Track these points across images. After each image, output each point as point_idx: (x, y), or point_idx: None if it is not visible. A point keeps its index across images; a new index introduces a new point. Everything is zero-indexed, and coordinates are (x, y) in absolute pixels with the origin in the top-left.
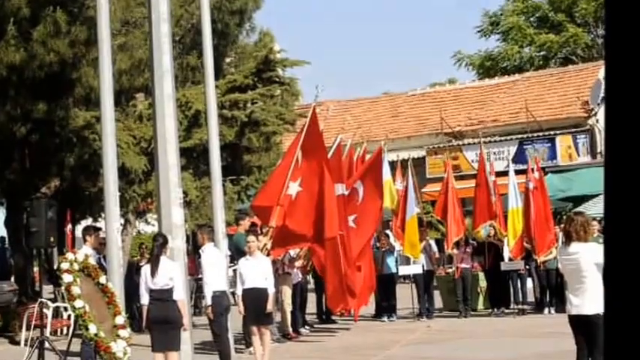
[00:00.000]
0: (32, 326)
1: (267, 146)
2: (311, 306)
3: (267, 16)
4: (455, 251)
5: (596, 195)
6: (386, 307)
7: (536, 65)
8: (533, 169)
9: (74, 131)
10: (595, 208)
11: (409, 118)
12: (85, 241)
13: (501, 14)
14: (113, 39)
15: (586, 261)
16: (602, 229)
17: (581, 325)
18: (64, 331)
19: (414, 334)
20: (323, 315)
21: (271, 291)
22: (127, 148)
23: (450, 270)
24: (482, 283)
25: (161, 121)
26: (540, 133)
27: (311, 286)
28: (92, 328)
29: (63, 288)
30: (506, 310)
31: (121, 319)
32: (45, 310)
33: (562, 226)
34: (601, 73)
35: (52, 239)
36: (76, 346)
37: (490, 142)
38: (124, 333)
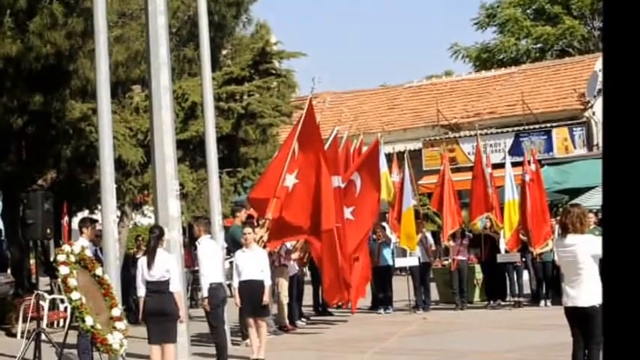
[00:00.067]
0: (29, 318)
1: (263, 138)
2: (307, 298)
3: (263, 8)
4: (451, 243)
5: (593, 187)
6: (382, 299)
7: (532, 57)
8: (529, 162)
9: (70, 123)
10: (591, 200)
11: (406, 110)
12: (81, 233)
13: (498, 6)
14: (110, 31)
15: (582, 253)
16: (598, 221)
17: (577, 317)
18: (61, 323)
19: (410, 327)
20: (319, 307)
21: (267, 283)
22: (123, 140)
23: (446, 262)
24: (479, 275)
25: (157, 113)
26: (537, 126)
27: (307, 278)
28: (89, 320)
29: (59, 280)
30: (502, 303)
31: (117, 311)
32: (41, 302)
33: (558, 218)
34: (597, 66)
35: (48, 231)
36: (72, 338)
37: (486, 134)
38: (121, 325)
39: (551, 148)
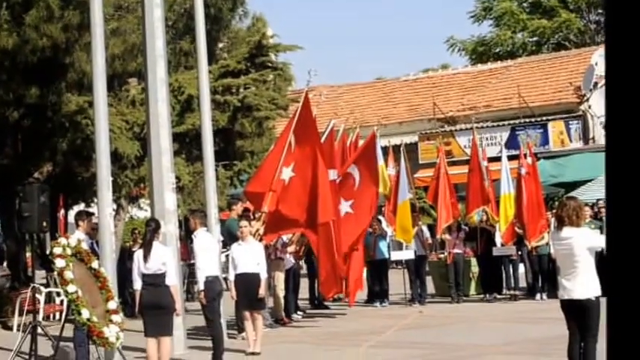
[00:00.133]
0: (25, 311)
1: (259, 131)
2: (303, 291)
3: (260, 1)
4: (447, 237)
5: (589, 180)
6: (378, 292)
7: (528, 51)
8: (525, 155)
9: (67, 116)
10: (587, 193)
11: (402, 103)
12: (77, 226)
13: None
14: (106, 23)
15: (579, 245)
16: (594, 215)
17: (573, 309)
18: (57, 317)
19: (406, 320)
20: (315, 300)
21: (263, 276)
22: (119, 133)
23: (442, 255)
24: (475, 268)
25: (154, 106)
26: (533, 119)
27: (303, 271)
28: (85, 313)
29: (56, 273)
30: (498, 296)
31: (113, 304)
32: (37, 296)
33: (554, 211)
34: (593, 59)
35: (44, 224)
36: (68, 331)
37: (482, 127)
38: (117, 318)
39: (547, 142)
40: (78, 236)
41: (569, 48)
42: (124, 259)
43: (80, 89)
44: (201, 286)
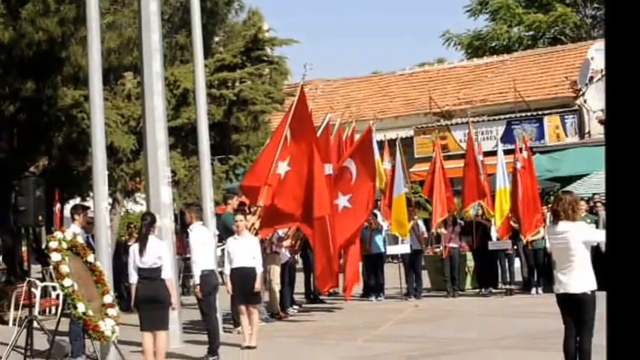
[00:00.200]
0: (20, 306)
1: (255, 125)
2: (299, 286)
3: None
4: (443, 231)
5: (584, 175)
6: (374, 286)
7: (524, 45)
8: (521, 149)
9: (62, 110)
10: (582, 188)
11: (398, 97)
12: (73, 220)
13: None
14: (102, 17)
15: (574, 240)
16: (589, 209)
17: (569, 303)
18: (53, 311)
19: (401, 314)
20: (311, 294)
21: (259, 270)
22: (115, 127)
23: (437, 250)
24: (470, 262)
25: (150, 99)
26: (528, 113)
27: (299, 265)
28: (80, 307)
29: (51, 267)
30: (494, 290)
31: (109, 298)
32: (33, 290)
33: (550, 205)
34: (589, 53)
35: (40, 218)
36: (64, 325)
37: (478, 121)
38: (113, 312)
39: (542, 136)
40: (74, 230)
41: (565, 42)
42: (120, 253)
43: (76, 83)
44: (197, 280)
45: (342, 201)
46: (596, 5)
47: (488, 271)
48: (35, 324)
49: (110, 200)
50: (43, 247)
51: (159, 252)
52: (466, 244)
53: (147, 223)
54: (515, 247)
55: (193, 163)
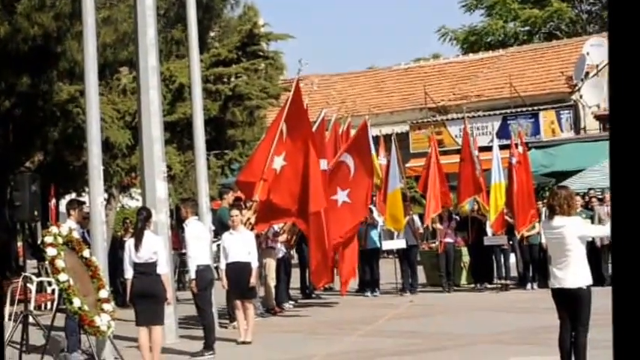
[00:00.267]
0: (16, 301)
1: (250, 120)
2: (295, 281)
3: None
4: (439, 226)
5: (579, 170)
6: (369, 281)
7: (520, 40)
8: (517, 144)
9: (58, 105)
10: (578, 183)
11: (393, 92)
12: (68, 215)
13: None
14: (97, 12)
15: (570, 234)
16: (585, 204)
17: (564, 298)
18: (48, 306)
19: (397, 309)
20: (306, 290)
21: (255, 265)
22: (110, 122)
23: (433, 245)
24: (466, 258)
25: (145, 94)
26: (524, 109)
27: (295, 260)
28: (76, 302)
29: (47, 262)
30: (489, 285)
31: (104, 293)
32: (29, 285)
33: (545, 200)
34: (585, 48)
35: (35, 213)
36: (60, 320)
37: (474, 117)
38: (108, 307)
39: (538, 131)
40: (69, 225)
41: (561, 37)
42: (116, 248)
43: (71, 78)
44: (192, 275)
45: (342, 196)
46: (591, 0)
47: (483, 266)
48: (31, 319)
49: (106, 195)
50: (39, 242)
51: (154, 247)
52: (462, 240)
53: (142, 218)
54: (510, 242)
55: (189, 158)
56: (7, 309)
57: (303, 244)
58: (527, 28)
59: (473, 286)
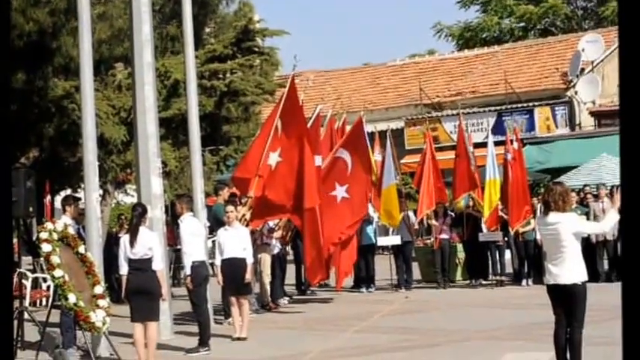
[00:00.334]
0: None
1: (246, 116)
2: (290, 277)
3: None
4: (434, 222)
5: (574, 167)
6: (364, 278)
7: (515, 36)
8: (512, 141)
9: (53, 101)
10: (573, 179)
11: (388, 89)
12: (64, 211)
13: None
14: (93, 8)
15: (565, 230)
16: (580, 200)
17: (559, 294)
18: (44, 302)
19: (392, 305)
20: (302, 286)
21: (250, 261)
22: (105, 118)
23: (428, 241)
24: (461, 254)
25: (140, 90)
26: (519, 105)
27: (290, 257)
28: (71, 298)
29: (42, 258)
30: (484, 282)
31: (99, 289)
32: (24, 281)
33: (540, 197)
34: (580, 45)
35: (31, 209)
36: (55, 317)
37: (469, 113)
38: (103, 302)
39: (533, 128)
40: (64, 221)
41: (556, 34)
42: (111, 244)
43: (67, 74)
44: (187, 271)
45: (340, 192)
46: None
47: (478, 262)
48: (26, 315)
49: (101, 191)
50: (34, 238)
51: (149, 243)
52: (457, 236)
53: (138, 214)
54: (505, 238)
55: (184, 154)
56: None
57: (298, 241)
58: (522, 24)
59: (468, 282)
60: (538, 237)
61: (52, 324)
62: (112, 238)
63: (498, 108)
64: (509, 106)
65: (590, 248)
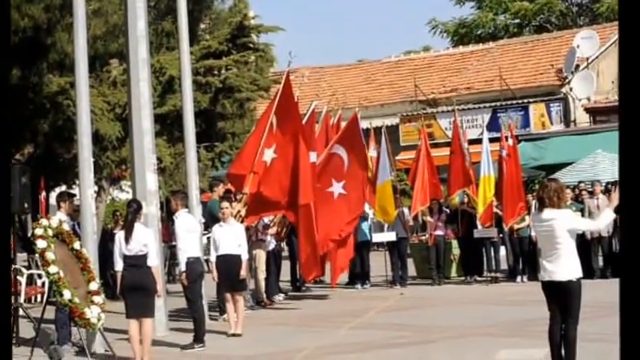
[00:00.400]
0: None
1: (241, 113)
2: (285, 273)
3: None
4: (429, 219)
5: (569, 163)
6: (359, 274)
7: (510, 33)
8: (507, 137)
9: (48, 97)
10: (567, 176)
11: (383, 85)
12: (59, 207)
13: None
14: (88, 4)
15: (560, 227)
16: (575, 197)
17: (554, 291)
18: (39, 299)
19: (387, 302)
20: (297, 282)
21: (245, 257)
22: (101, 114)
23: (423, 238)
24: (456, 250)
25: (136, 86)
26: (514, 101)
27: (285, 253)
28: (66, 294)
29: (37, 254)
30: (479, 278)
31: (95, 285)
32: (19, 278)
33: (535, 193)
34: (575, 41)
35: (26, 205)
36: (50, 313)
37: (464, 109)
38: (98, 299)
39: (528, 124)
40: (59, 217)
41: (551, 30)
42: (106, 240)
43: (62, 70)
44: (182, 267)
45: (337, 188)
46: None
47: (473, 259)
48: (21, 312)
49: (96, 188)
50: (29, 234)
51: (144, 239)
52: (452, 232)
53: (133, 210)
54: (500, 235)
55: (179, 151)
56: None
57: (293, 237)
58: (517, 20)
59: (463, 278)
60: (533, 233)
61: (47, 320)
62: (107, 234)
63: (493, 104)
64: (504, 103)
65: (585, 245)
